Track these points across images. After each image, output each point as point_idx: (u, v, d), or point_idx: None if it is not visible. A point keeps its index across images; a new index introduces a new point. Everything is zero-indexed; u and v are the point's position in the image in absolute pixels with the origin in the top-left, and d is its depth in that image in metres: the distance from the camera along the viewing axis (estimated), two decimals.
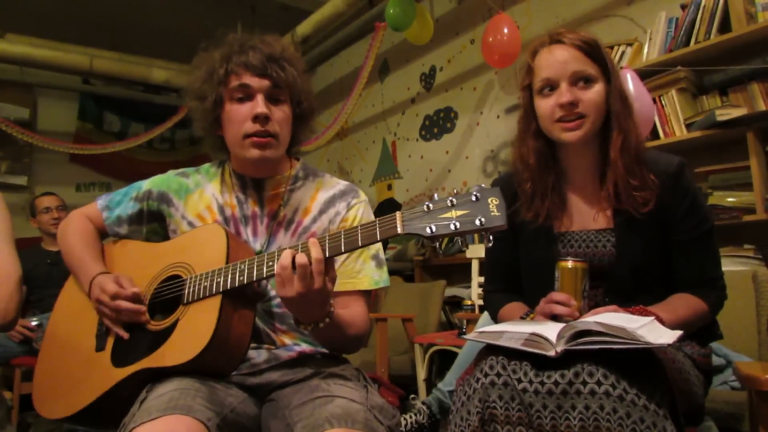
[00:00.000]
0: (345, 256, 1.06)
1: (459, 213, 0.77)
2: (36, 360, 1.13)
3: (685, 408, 0.93)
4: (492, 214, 0.76)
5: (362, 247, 0.84)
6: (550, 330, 0.86)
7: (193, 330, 0.93)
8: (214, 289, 0.94)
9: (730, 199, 2.13)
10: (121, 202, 1.18)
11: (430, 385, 2.43)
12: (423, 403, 1.85)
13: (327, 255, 0.85)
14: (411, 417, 1.80)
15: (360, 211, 1.11)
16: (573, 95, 1.05)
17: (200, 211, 1.12)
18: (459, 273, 3.24)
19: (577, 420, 0.80)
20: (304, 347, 1.06)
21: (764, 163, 2.06)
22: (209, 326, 0.91)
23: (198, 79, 1.07)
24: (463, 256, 3.13)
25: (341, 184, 1.15)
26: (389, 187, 4.31)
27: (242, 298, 0.97)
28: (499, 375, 0.85)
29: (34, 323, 2.66)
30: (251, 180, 1.12)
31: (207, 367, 0.92)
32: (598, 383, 0.80)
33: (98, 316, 1.07)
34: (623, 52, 2.51)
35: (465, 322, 2.42)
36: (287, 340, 1.06)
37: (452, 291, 3.15)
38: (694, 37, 2.23)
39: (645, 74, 2.28)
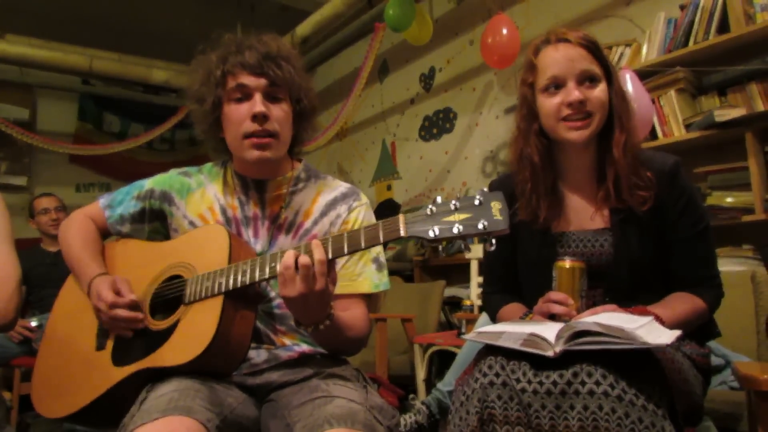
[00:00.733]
0: (346, 258, 1.06)
1: (462, 216, 0.78)
2: (35, 360, 1.13)
3: (683, 408, 0.93)
4: (495, 218, 0.76)
5: (365, 249, 0.84)
6: (549, 330, 0.86)
7: (194, 330, 0.93)
8: (215, 290, 0.94)
9: (729, 200, 2.13)
10: (123, 200, 1.18)
11: (430, 385, 2.44)
12: (422, 403, 1.85)
13: (330, 256, 0.85)
14: (410, 417, 1.80)
15: (361, 214, 1.11)
16: (582, 94, 1.05)
17: (202, 211, 1.12)
18: (458, 273, 3.25)
19: (575, 420, 0.80)
20: (304, 348, 1.06)
21: (763, 164, 2.07)
22: (210, 327, 0.91)
23: (196, 82, 1.07)
24: (462, 256, 3.14)
25: (343, 187, 1.15)
26: (389, 188, 4.31)
27: (244, 299, 0.97)
28: (497, 375, 0.86)
29: (33, 324, 2.66)
30: (253, 181, 1.12)
31: (207, 367, 0.92)
32: (597, 383, 0.80)
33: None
34: (622, 53, 2.52)
35: (464, 322, 2.43)
36: (287, 341, 1.06)
37: (451, 291, 3.15)
38: (693, 38, 2.24)
39: (644, 75, 2.29)
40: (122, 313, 0.99)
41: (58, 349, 1.11)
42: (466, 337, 0.98)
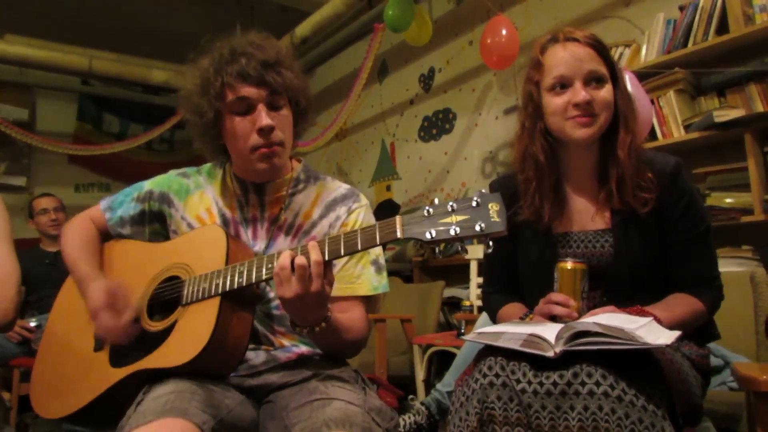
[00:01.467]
0: (344, 260, 1.05)
1: (459, 218, 0.78)
2: (34, 361, 1.13)
3: (683, 408, 0.93)
4: (492, 219, 0.76)
5: (362, 250, 0.84)
6: (549, 331, 0.86)
7: (192, 331, 0.93)
8: (212, 291, 0.94)
9: (728, 200, 2.13)
10: (123, 202, 1.18)
11: (429, 385, 2.43)
12: (422, 403, 1.85)
13: (326, 258, 0.85)
14: (410, 418, 1.80)
15: (361, 215, 1.10)
16: (589, 94, 1.05)
17: (200, 213, 1.12)
18: (457, 274, 3.25)
19: (575, 420, 0.80)
20: (303, 349, 1.06)
21: (762, 164, 2.07)
22: (207, 328, 0.90)
23: (193, 93, 1.04)
24: (461, 257, 3.14)
25: (342, 188, 1.14)
26: (388, 188, 4.31)
27: (241, 300, 0.97)
28: (497, 375, 0.86)
29: (32, 324, 2.65)
30: (252, 184, 1.11)
31: (205, 368, 0.92)
32: (597, 384, 0.80)
33: None
34: (621, 54, 2.52)
35: (464, 322, 2.42)
36: (286, 342, 1.06)
37: (451, 292, 3.15)
38: (692, 39, 2.24)
39: (643, 76, 2.29)
40: (122, 335, 0.98)
41: (56, 349, 1.11)
42: (466, 337, 0.98)
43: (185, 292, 0.98)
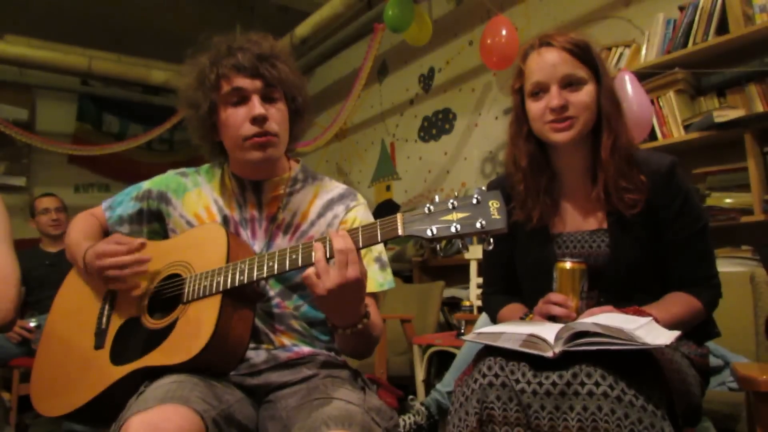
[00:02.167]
0: None
1: (460, 215, 0.78)
2: (34, 360, 1.13)
3: (682, 408, 0.93)
4: (493, 217, 0.76)
5: (363, 248, 0.84)
6: (548, 331, 0.86)
7: (193, 329, 0.93)
8: (213, 289, 0.94)
9: (728, 201, 2.13)
10: (122, 201, 1.18)
11: (429, 385, 2.44)
12: (421, 404, 1.85)
13: (329, 256, 0.85)
14: (410, 418, 1.80)
15: (359, 213, 1.11)
16: (563, 98, 1.06)
17: (198, 211, 1.12)
18: (457, 274, 3.25)
19: (575, 421, 0.80)
20: (303, 348, 1.06)
21: (762, 165, 2.07)
22: (209, 326, 0.91)
23: (189, 87, 1.06)
24: (461, 257, 3.14)
25: (340, 188, 1.15)
26: (388, 188, 4.31)
27: (242, 298, 0.97)
28: (497, 376, 0.86)
29: (32, 324, 2.65)
30: (250, 182, 1.12)
31: (206, 366, 0.92)
32: (596, 384, 0.80)
33: (97, 313, 1.07)
34: (621, 54, 2.52)
35: (463, 322, 2.43)
36: (286, 341, 1.06)
37: (451, 292, 3.15)
38: (692, 39, 2.24)
39: (643, 76, 2.29)
40: (132, 257, 0.98)
41: (56, 347, 1.11)
42: (466, 338, 0.98)
43: (186, 289, 0.98)
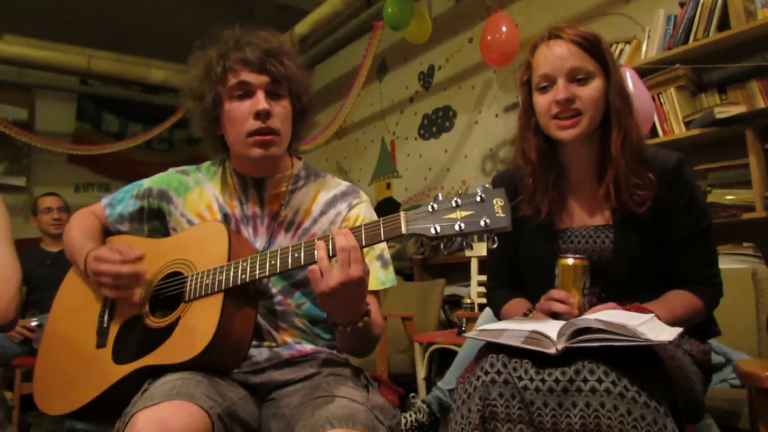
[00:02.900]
0: None
1: (464, 214, 0.77)
2: (36, 359, 1.13)
3: (684, 405, 0.93)
4: (497, 215, 0.76)
5: (365, 247, 0.84)
6: (551, 328, 0.86)
7: (195, 328, 0.93)
8: (215, 287, 0.94)
9: (729, 197, 2.13)
10: (122, 199, 1.18)
11: (430, 383, 2.44)
12: (423, 401, 1.85)
13: (330, 254, 0.85)
14: (411, 416, 1.80)
15: (362, 210, 1.10)
16: (569, 92, 1.05)
17: (200, 210, 1.12)
18: (458, 272, 3.24)
19: (577, 417, 0.80)
20: (306, 346, 1.06)
21: (763, 161, 2.06)
22: (211, 324, 0.90)
23: (195, 78, 1.06)
24: (462, 254, 3.14)
25: (342, 185, 1.14)
26: (388, 186, 4.30)
27: (244, 296, 0.97)
28: (499, 373, 0.85)
29: (33, 324, 2.66)
30: (252, 180, 1.11)
31: (208, 365, 0.92)
32: (599, 381, 0.80)
33: (99, 311, 1.07)
34: (622, 50, 2.51)
35: (464, 320, 2.42)
36: (289, 339, 1.06)
37: (451, 290, 3.15)
38: (693, 35, 2.24)
39: (644, 72, 2.28)
40: (128, 268, 0.97)
41: (58, 346, 1.11)
42: (468, 334, 0.98)
43: (188, 288, 0.98)
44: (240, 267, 0.93)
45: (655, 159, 1.08)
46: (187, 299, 0.97)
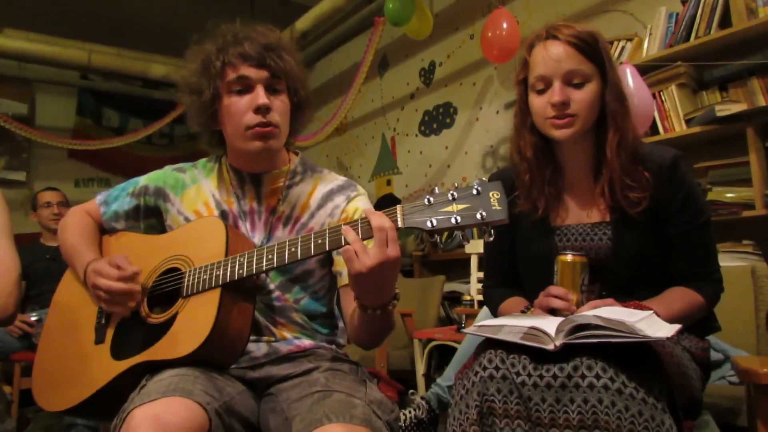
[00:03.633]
0: None
1: (460, 207, 0.77)
2: (35, 354, 1.13)
3: (683, 401, 0.93)
4: (493, 208, 0.76)
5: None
6: (549, 324, 0.86)
7: (193, 323, 0.93)
8: (213, 282, 0.94)
9: (730, 195, 2.13)
10: (118, 197, 1.18)
11: (429, 380, 2.44)
12: (422, 398, 1.86)
13: (328, 249, 0.85)
14: (410, 412, 1.80)
15: (361, 202, 1.10)
16: (564, 95, 1.04)
17: (197, 207, 1.12)
18: (458, 268, 3.25)
19: (575, 413, 0.80)
20: (304, 341, 1.06)
21: (764, 159, 2.06)
22: (209, 319, 0.91)
23: (193, 73, 1.05)
24: (462, 251, 3.14)
25: (339, 180, 1.14)
26: (388, 183, 4.30)
27: (242, 291, 0.97)
28: (497, 368, 0.86)
29: (33, 318, 2.66)
30: (248, 175, 1.11)
31: (206, 360, 0.92)
32: (597, 377, 0.80)
33: (97, 308, 1.07)
34: (623, 48, 2.51)
35: (464, 317, 2.43)
36: (287, 334, 1.06)
37: (451, 286, 3.15)
38: (695, 33, 2.23)
39: (645, 69, 2.28)
40: (123, 285, 0.98)
41: (57, 342, 1.11)
42: (467, 330, 0.98)
43: (185, 283, 0.98)
44: (237, 262, 0.93)
45: (651, 157, 1.07)
46: (184, 295, 0.97)
